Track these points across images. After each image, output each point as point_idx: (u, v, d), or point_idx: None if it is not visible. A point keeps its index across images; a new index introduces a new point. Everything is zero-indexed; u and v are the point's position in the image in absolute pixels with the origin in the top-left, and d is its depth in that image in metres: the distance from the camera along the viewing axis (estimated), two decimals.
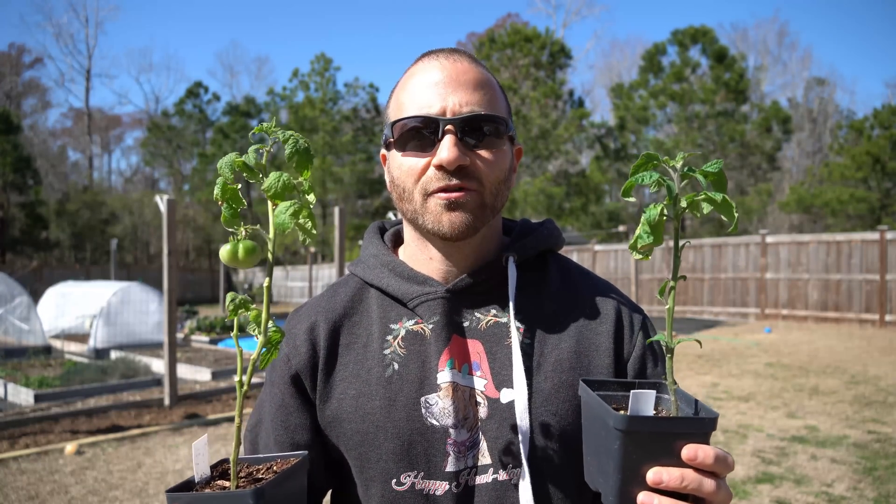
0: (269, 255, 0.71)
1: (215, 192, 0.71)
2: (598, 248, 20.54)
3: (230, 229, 0.72)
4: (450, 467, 0.92)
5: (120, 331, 11.40)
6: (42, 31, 67.33)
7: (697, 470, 0.71)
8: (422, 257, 1.04)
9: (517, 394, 0.92)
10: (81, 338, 12.14)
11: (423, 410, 0.94)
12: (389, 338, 0.99)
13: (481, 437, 0.94)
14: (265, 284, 0.71)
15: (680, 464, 0.71)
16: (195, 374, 9.05)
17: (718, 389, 8.14)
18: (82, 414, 6.90)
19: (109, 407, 7.13)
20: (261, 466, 0.79)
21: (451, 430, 0.93)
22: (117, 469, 5.26)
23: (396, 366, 0.97)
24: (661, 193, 0.74)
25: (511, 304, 0.97)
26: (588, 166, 31.27)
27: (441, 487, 0.92)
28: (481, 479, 0.93)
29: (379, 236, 1.13)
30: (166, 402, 7.33)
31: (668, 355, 0.78)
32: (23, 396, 7.53)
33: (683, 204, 0.73)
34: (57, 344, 11.58)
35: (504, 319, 0.99)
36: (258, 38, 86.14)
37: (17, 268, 23.97)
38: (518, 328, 0.98)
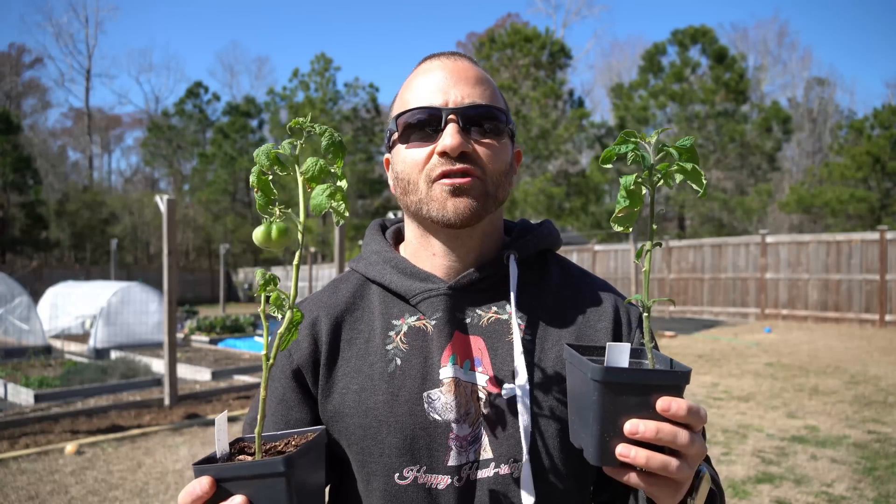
0: (300, 235, 0.75)
1: (251, 178, 0.75)
2: (598, 248, 20.53)
3: (264, 215, 0.76)
4: (451, 461, 0.94)
5: (120, 331, 11.40)
6: (42, 31, 67.47)
7: (672, 422, 0.74)
8: (424, 253, 1.05)
9: (518, 389, 0.93)
10: (81, 338, 12.14)
11: (426, 405, 0.95)
12: (392, 333, 1.00)
13: (483, 431, 0.95)
14: (294, 262, 0.76)
15: (655, 416, 0.73)
16: (195, 374, 9.06)
17: (718, 389, 8.14)
18: (82, 414, 6.90)
19: (109, 407, 7.13)
20: (278, 443, 0.80)
21: (454, 425, 0.94)
22: (117, 469, 5.26)
23: (399, 361, 0.98)
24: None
25: (512, 301, 0.99)
26: (588, 166, 31.23)
27: (443, 481, 0.93)
28: (483, 474, 0.94)
29: (381, 233, 1.14)
30: (166, 402, 7.33)
31: (645, 314, 0.81)
32: (23, 396, 7.53)
33: (658, 175, 0.79)
34: (57, 344, 11.58)
35: (505, 316, 1.01)
36: (258, 38, 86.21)
37: (17, 268, 23.97)
38: (519, 324, 0.99)
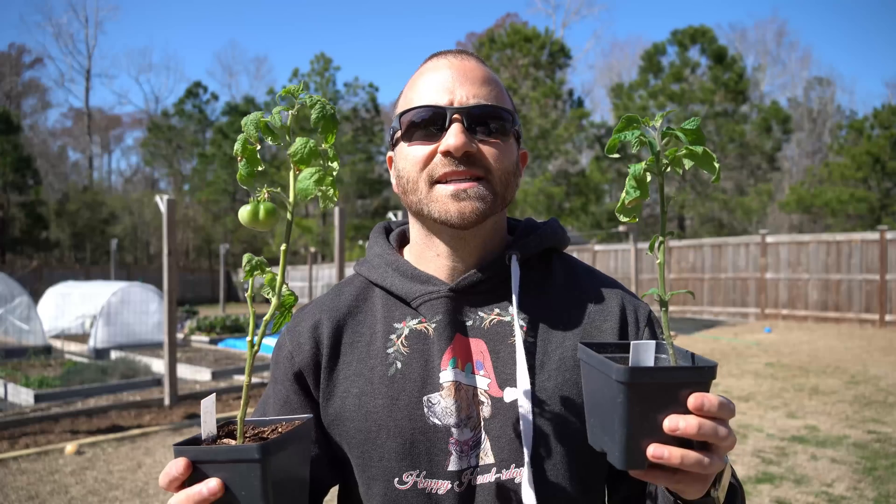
0: (289, 217, 0.72)
1: (235, 147, 0.71)
2: (598, 248, 20.52)
3: (244, 187, 0.72)
4: (452, 466, 0.92)
5: (120, 331, 11.40)
6: (42, 31, 67.43)
7: (706, 417, 0.72)
8: (428, 254, 1.03)
9: (520, 393, 0.91)
10: (81, 338, 12.13)
11: (426, 409, 0.94)
12: (393, 337, 0.99)
13: (484, 436, 0.93)
14: (282, 248, 0.72)
15: (686, 412, 0.71)
16: (195, 374, 9.06)
17: (718, 389, 8.14)
18: (82, 414, 6.90)
19: (109, 407, 7.13)
20: (266, 428, 0.80)
21: (454, 430, 0.93)
22: (117, 469, 5.26)
23: (399, 364, 0.97)
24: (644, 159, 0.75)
25: (514, 302, 0.97)
26: (588, 166, 31.26)
27: (443, 487, 0.92)
28: (483, 479, 0.92)
29: (384, 236, 1.13)
30: (166, 402, 7.33)
31: (663, 309, 0.79)
32: (23, 396, 7.53)
33: (665, 161, 0.75)
34: (57, 344, 11.57)
35: (508, 318, 0.99)
36: (256, 38, 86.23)
37: (17, 268, 23.97)
38: (521, 326, 0.97)
